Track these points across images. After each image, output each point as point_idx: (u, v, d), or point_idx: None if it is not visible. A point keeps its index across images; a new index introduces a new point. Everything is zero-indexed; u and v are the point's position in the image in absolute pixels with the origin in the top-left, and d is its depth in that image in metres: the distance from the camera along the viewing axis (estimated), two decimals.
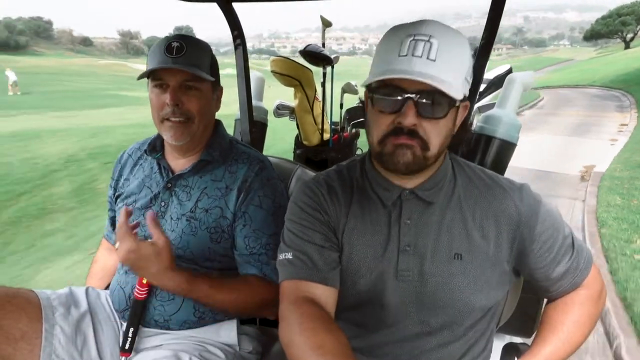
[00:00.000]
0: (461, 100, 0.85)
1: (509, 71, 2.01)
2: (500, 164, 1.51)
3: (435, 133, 0.85)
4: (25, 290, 1.17)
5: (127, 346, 1.14)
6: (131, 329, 1.15)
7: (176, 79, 1.15)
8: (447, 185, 0.96)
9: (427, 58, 0.79)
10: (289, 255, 0.95)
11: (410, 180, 0.94)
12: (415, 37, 0.80)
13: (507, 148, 1.53)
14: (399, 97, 0.82)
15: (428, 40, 0.80)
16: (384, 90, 0.84)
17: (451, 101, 0.82)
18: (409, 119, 0.82)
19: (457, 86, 0.81)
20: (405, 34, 0.82)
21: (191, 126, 1.18)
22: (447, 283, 0.91)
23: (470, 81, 0.88)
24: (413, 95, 0.81)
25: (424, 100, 0.82)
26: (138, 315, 1.16)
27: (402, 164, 0.86)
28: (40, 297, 1.18)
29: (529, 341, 1.09)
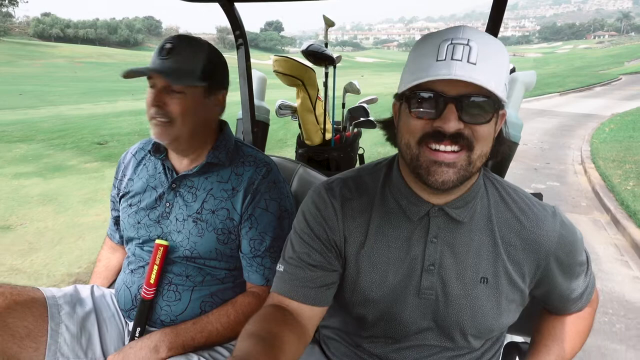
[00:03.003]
0: (501, 108, 0.79)
1: (512, 71, 1.94)
2: (502, 164, 1.51)
3: (481, 137, 0.78)
4: (30, 289, 1.16)
5: None
6: (138, 329, 1.16)
7: (161, 81, 1.14)
8: (479, 204, 0.90)
9: (468, 61, 0.73)
10: (281, 268, 0.94)
11: (442, 196, 0.87)
12: (453, 41, 0.75)
13: (508, 147, 1.50)
14: (439, 101, 0.75)
15: (467, 44, 0.74)
16: (422, 96, 0.77)
17: (495, 105, 0.76)
18: (452, 125, 0.75)
19: (500, 90, 0.74)
20: (441, 39, 0.76)
21: (172, 128, 1.16)
22: (471, 306, 0.88)
23: (508, 88, 0.82)
24: (454, 100, 0.75)
25: (467, 104, 0.75)
26: (145, 315, 1.17)
27: (442, 183, 0.79)
28: (45, 295, 1.17)
29: (529, 340, 1.10)
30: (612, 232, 4.34)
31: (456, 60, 0.73)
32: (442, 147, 0.77)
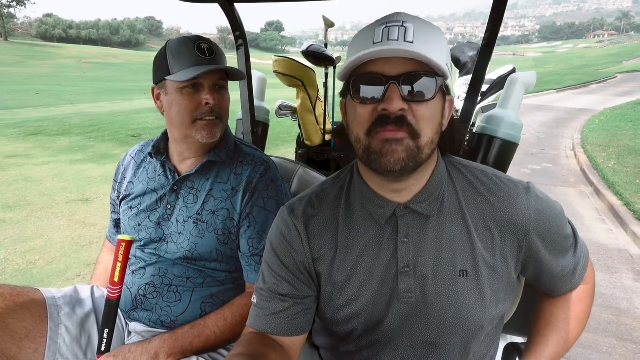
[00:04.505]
0: (446, 92, 0.79)
1: (512, 71, 2.00)
2: (502, 164, 1.52)
3: (425, 119, 0.75)
4: (30, 289, 1.17)
5: (102, 348, 1.11)
6: (106, 330, 1.12)
7: (212, 79, 1.18)
8: (445, 193, 0.86)
9: (405, 40, 0.72)
10: (255, 300, 0.93)
11: (404, 191, 0.84)
12: (388, 25, 0.74)
13: (508, 148, 1.53)
14: (381, 82, 0.74)
15: (402, 25, 0.73)
16: (363, 81, 0.76)
17: (438, 82, 0.75)
18: (395, 104, 0.73)
19: (442, 64, 0.72)
20: (377, 25, 0.76)
21: (220, 124, 1.22)
22: (454, 303, 0.83)
23: (451, 72, 0.80)
24: (396, 79, 0.73)
25: (409, 83, 0.73)
26: (112, 316, 1.12)
27: (394, 162, 0.75)
28: (45, 296, 1.18)
29: None
30: (594, 200, 5.23)
31: (392, 40, 0.73)
32: (387, 134, 0.75)
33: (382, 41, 0.73)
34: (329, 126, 2.87)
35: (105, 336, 1.11)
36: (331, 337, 1.00)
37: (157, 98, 1.25)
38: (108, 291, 1.12)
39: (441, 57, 0.74)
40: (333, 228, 0.90)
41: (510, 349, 1.12)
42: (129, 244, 1.13)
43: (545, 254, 0.88)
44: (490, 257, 0.84)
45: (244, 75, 1.27)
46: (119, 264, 1.11)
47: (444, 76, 0.76)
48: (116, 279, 1.11)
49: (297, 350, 0.92)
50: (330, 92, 2.96)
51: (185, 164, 1.27)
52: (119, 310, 1.24)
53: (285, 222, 0.92)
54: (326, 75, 2.94)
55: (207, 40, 1.21)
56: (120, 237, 1.12)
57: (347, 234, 0.89)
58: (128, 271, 1.25)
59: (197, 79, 1.15)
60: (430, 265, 0.84)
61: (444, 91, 0.79)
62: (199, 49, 1.17)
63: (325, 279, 0.90)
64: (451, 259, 0.84)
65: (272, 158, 1.40)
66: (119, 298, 1.13)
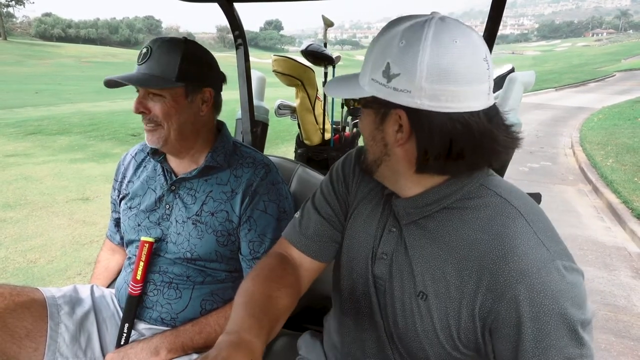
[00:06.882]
0: (385, 105, 0.72)
1: (511, 71, 2.00)
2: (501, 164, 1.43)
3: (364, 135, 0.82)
4: (30, 288, 1.17)
5: (122, 342, 1.16)
6: (126, 325, 1.17)
7: (141, 87, 1.13)
8: (447, 215, 0.76)
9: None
10: (297, 215, 0.98)
11: (406, 189, 0.80)
12: None
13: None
14: None
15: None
16: None
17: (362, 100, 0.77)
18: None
19: (360, 88, 0.75)
20: None
21: (161, 131, 1.15)
22: (406, 316, 0.79)
23: (401, 77, 0.68)
24: None
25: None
26: (133, 311, 1.18)
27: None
28: (45, 295, 1.19)
29: None
30: (592, 198, 5.26)
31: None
32: None
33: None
34: (328, 125, 2.86)
35: (125, 330, 1.17)
36: (337, 313, 1.01)
37: None
38: (130, 287, 1.18)
39: (362, 77, 0.76)
40: (367, 183, 0.94)
41: None
42: (151, 244, 1.20)
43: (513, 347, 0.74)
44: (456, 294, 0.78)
45: (167, 84, 1.13)
46: (141, 263, 1.18)
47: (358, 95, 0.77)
48: (138, 277, 1.18)
49: (311, 277, 0.96)
50: None
51: (181, 165, 1.26)
52: (119, 308, 1.30)
53: (349, 158, 0.99)
54: (325, 74, 2.91)
55: (154, 43, 1.14)
56: (143, 238, 1.20)
57: (368, 194, 0.93)
58: (128, 269, 1.27)
59: (125, 85, 1.10)
60: (403, 267, 0.82)
61: (375, 106, 0.76)
62: (139, 53, 1.14)
63: (347, 227, 0.95)
64: (421, 276, 0.78)
65: (270, 157, 1.41)
66: (140, 295, 1.19)
